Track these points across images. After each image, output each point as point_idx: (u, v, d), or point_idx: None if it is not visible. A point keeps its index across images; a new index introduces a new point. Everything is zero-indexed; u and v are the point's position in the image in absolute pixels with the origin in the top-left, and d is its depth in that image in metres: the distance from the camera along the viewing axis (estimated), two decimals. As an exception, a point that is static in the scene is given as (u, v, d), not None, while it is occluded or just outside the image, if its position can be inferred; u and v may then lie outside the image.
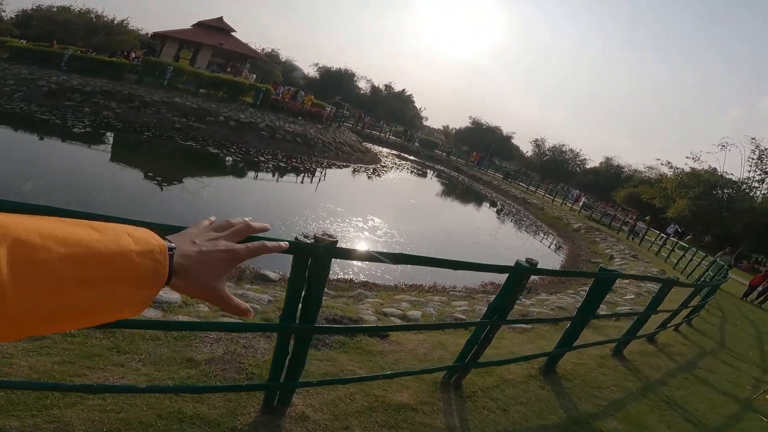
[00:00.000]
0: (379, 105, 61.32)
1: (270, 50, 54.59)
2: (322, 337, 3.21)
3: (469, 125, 64.16)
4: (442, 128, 74.72)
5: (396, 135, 45.45)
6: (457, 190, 29.86)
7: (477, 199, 28.07)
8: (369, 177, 22.25)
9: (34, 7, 43.57)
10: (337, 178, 19.53)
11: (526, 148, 63.31)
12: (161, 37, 27.69)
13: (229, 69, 27.23)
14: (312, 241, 1.93)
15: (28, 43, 22.68)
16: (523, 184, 37.57)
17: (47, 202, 7.08)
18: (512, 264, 2.78)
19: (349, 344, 3.26)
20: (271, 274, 6.29)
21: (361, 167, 23.37)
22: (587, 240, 19.17)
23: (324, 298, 4.93)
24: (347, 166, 22.13)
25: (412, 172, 30.40)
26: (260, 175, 14.99)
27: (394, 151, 38.38)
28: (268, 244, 0.59)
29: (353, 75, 62.82)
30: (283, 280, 6.30)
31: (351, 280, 7.17)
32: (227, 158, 15.10)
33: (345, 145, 24.78)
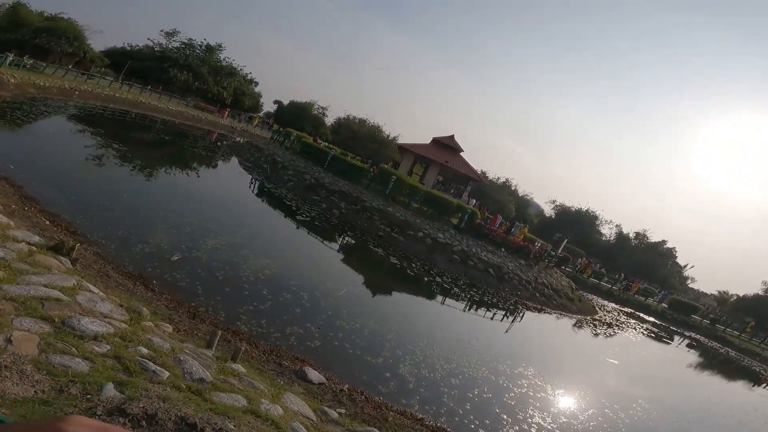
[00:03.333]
0: (624, 255, 53.53)
1: (504, 180, 56.80)
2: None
3: (762, 293, 48.44)
4: (717, 293, 58.96)
5: (641, 292, 37.99)
6: (714, 363, 22.76)
7: (747, 377, 21.74)
8: (574, 329, 18.99)
9: (344, 117, 59.50)
10: (529, 323, 17.22)
11: None
12: (403, 149, 32.02)
13: (452, 190, 29.47)
14: None
15: (313, 141, 30.29)
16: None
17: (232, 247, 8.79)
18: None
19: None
20: (313, 374, 5.70)
21: (564, 315, 20.24)
22: None
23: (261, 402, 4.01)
24: (542, 311, 19.40)
25: (644, 333, 24.71)
26: (427, 294, 14.54)
27: (625, 308, 32.30)
28: None
29: (595, 218, 57.99)
30: (328, 387, 5.62)
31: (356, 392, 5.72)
32: (403, 270, 15.51)
33: (548, 288, 22.17)
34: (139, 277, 6.49)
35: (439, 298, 14.37)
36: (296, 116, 56.39)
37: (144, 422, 2.43)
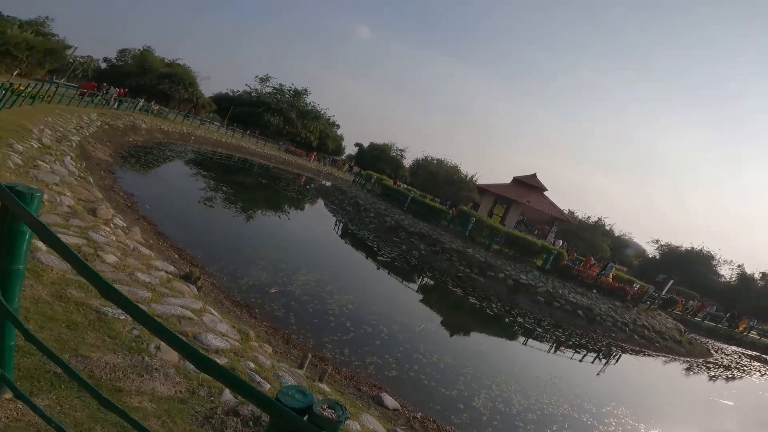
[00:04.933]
0: (749, 298, 46.63)
1: (596, 219, 52.98)
2: None
3: None
4: None
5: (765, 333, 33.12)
6: None
7: None
8: (680, 371, 17.62)
9: (422, 158, 59.39)
10: (625, 364, 16.23)
11: None
12: (482, 190, 31.56)
13: (536, 231, 28.50)
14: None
15: (393, 184, 31.12)
16: None
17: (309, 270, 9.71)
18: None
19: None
20: (388, 400, 6.07)
21: (669, 357, 18.88)
22: None
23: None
24: (642, 353, 18.16)
25: None
26: (506, 333, 14.21)
27: (747, 351, 28.92)
28: None
29: (711, 257, 51.49)
30: (401, 413, 5.96)
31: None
32: (482, 310, 15.35)
33: (649, 330, 20.73)
34: (245, 306, 7.52)
35: (520, 337, 14.05)
36: (376, 158, 58.39)
37: (251, 423, 3.05)
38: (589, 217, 53.09)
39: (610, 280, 22.38)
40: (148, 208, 11.49)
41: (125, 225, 7.87)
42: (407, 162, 62.77)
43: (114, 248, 5.92)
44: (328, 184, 37.59)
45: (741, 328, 32.18)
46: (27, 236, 1.78)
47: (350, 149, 67.96)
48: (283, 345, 6.53)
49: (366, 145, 64.78)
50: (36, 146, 9.26)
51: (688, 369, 17.97)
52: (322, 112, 58.42)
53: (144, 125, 26.97)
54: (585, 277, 21.60)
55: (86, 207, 7.16)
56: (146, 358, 3.35)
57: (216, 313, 5.28)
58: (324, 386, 4.90)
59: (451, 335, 11.71)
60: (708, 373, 18.18)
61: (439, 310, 13.80)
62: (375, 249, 18.62)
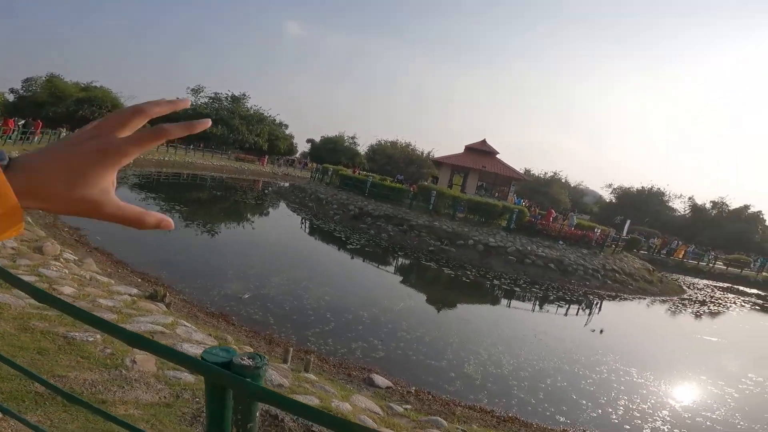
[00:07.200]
0: (705, 228, 49.97)
1: (552, 174, 55.02)
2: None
3: None
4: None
5: (730, 263, 36.00)
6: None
7: None
8: (658, 311, 18.51)
9: (376, 143, 59.53)
10: (605, 311, 16.84)
11: None
12: (438, 163, 31.86)
13: (497, 194, 29.29)
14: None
15: (350, 172, 31.04)
16: None
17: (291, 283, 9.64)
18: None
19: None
20: (380, 380, 6.19)
21: (644, 298, 19.79)
22: None
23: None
24: (618, 297, 18.98)
25: (749, 307, 23.71)
26: (486, 298, 14.69)
27: (718, 283, 30.70)
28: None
29: (662, 194, 54.70)
30: (395, 390, 6.09)
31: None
32: (458, 279, 15.74)
33: (620, 273, 21.68)
34: (220, 315, 7.40)
35: (500, 300, 14.52)
36: (331, 151, 57.66)
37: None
38: (546, 173, 55.03)
39: (573, 229, 23.36)
40: (99, 239, 10.96)
41: (77, 258, 7.51)
42: (362, 149, 62.42)
43: (69, 280, 5.69)
44: (287, 184, 36.87)
45: (681, 255, 34.06)
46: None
47: (303, 147, 66.70)
48: (266, 345, 6.50)
49: (318, 139, 63.78)
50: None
51: (665, 308, 18.87)
52: (267, 114, 56.78)
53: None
54: (550, 230, 22.44)
55: (31, 246, 6.79)
56: (124, 371, 3.35)
57: (189, 325, 5.19)
58: (311, 375, 4.94)
59: (432, 309, 11.96)
60: (685, 310, 19.20)
61: (416, 286, 14.06)
62: (343, 239, 18.62)
